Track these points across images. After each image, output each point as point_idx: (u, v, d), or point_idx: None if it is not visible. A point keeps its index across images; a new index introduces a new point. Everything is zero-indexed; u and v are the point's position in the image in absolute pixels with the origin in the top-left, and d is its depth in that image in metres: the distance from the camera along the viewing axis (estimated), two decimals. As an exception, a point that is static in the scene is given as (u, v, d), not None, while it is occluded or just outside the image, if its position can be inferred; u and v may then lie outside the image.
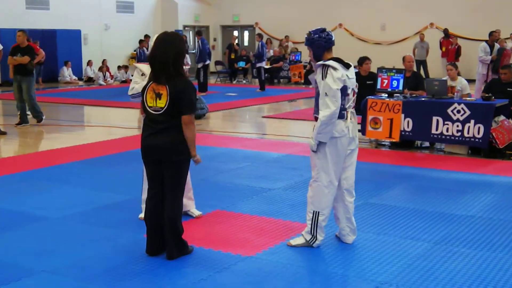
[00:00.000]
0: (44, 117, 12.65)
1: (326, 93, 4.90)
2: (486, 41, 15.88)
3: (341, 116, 5.00)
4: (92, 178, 7.76)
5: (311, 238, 5.16)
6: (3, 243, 5.34)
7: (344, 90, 4.99)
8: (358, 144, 5.26)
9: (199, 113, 12.78)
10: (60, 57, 23.10)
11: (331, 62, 4.96)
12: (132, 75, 24.12)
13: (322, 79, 4.94)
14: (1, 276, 4.54)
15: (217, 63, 25.32)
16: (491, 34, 15.98)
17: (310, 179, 5.18)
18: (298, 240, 5.24)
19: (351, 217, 5.28)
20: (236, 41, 25.75)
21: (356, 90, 5.23)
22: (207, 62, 18.66)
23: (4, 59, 12.96)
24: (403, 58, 10.66)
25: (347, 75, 5.01)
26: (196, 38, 19.79)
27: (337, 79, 4.90)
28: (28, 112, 12.55)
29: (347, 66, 5.06)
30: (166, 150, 4.69)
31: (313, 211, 5.11)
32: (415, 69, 15.15)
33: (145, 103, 4.77)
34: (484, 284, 4.42)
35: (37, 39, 20.75)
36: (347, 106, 5.07)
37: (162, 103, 4.66)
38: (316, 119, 5.04)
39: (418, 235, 5.52)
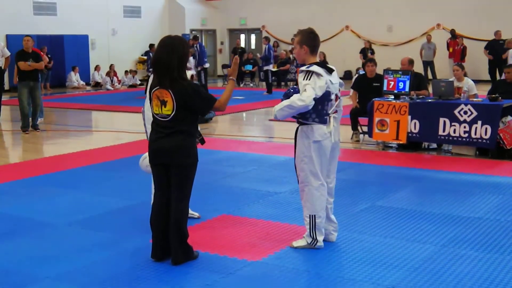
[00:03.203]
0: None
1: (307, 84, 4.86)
2: None
3: (323, 121, 5.03)
4: (99, 184, 7.76)
5: (312, 240, 5.17)
6: (8, 249, 5.33)
7: (327, 96, 4.97)
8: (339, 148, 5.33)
9: (206, 117, 12.75)
10: (67, 62, 23.19)
11: (315, 68, 4.93)
12: (139, 80, 23.43)
13: (304, 80, 4.92)
14: (6, 283, 4.54)
15: (224, 66, 25.35)
16: None
17: (300, 184, 5.18)
18: (300, 242, 5.25)
19: (331, 216, 5.33)
20: (242, 44, 25.72)
21: (340, 95, 5.21)
22: (206, 65, 18.65)
23: (11, 64, 12.95)
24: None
25: (330, 80, 5.00)
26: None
27: (319, 87, 4.86)
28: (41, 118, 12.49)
29: (330, 71, 5.06)
30: (172, 153, 4.69)
31: (309, 215, 5.13)
32: (422, 70, 14.98)
33: (152, 109, 4.80)
34: (492, 287, 4.38)
35: (44, 44, 20.85)
36: (330, 112, 5.07)
37: (168, 110, 4.66)
38: (298, 122, 5.07)
39: (425, 238, 5.48)
